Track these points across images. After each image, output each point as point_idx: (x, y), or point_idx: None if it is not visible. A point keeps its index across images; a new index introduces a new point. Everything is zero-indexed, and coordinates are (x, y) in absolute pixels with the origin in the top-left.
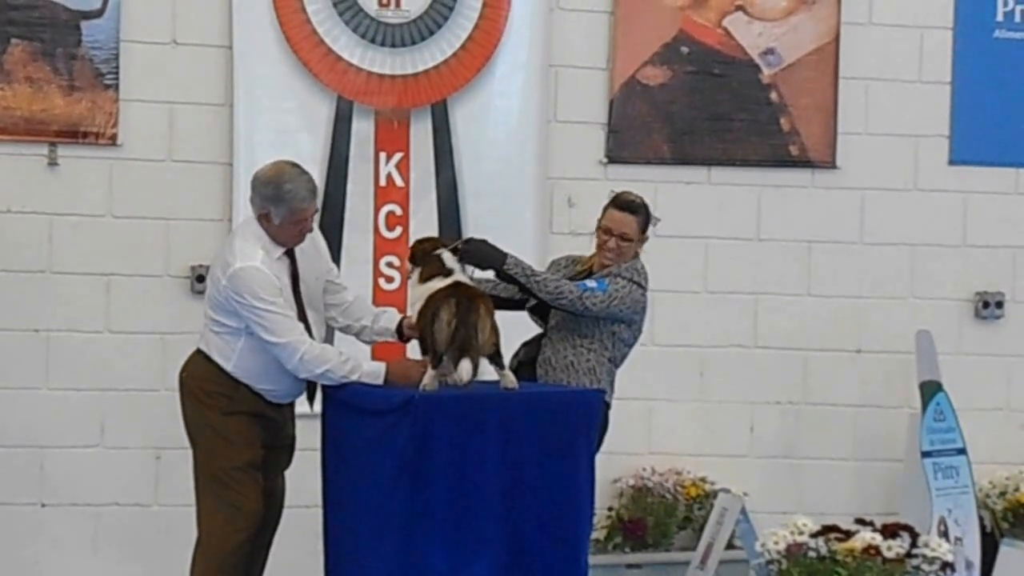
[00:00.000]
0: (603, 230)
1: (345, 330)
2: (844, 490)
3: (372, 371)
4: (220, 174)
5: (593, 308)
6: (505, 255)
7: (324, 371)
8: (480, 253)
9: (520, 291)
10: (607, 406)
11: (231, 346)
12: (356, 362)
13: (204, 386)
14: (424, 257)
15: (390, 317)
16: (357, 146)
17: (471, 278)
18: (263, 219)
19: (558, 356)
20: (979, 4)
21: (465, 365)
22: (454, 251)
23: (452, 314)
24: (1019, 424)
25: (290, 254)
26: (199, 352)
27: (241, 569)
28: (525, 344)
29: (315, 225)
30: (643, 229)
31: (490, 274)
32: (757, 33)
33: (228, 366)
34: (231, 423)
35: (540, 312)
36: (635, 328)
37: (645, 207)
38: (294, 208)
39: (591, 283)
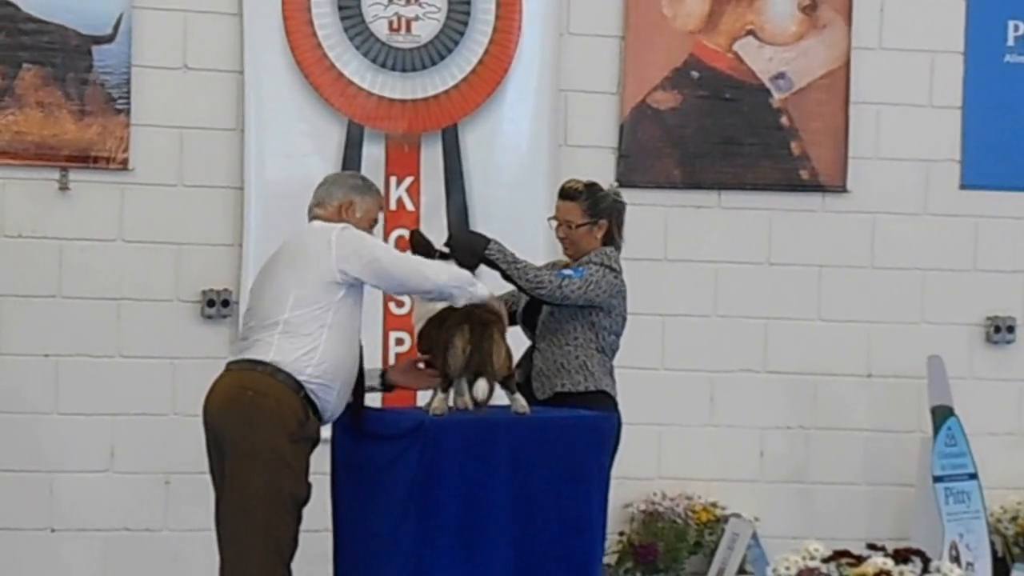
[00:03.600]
0: (555, 220)
1: None
2: (855, 515)
3: (483, 292)
4: (231, 199)
5: (572, 295)
6: (488, 240)
7: (463, 280)
8: (465, 243)
9: (502, 277)
10: (611, 399)
11: (315, 341)
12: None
13: (282, 408)
14: (419, 235)
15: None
16: (368, 171)
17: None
18: (343, 211)
19: (548, 363)
20: (990, 29)
21: (481, 384)
22: (444, 256)
23: (466, 341)
24: None
25: None
26: (262, 365)
27: None
28: (517, 366)
29: None
30: (590, 213)
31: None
32: (767, 58)
33: (311, 364)
34: (298, 451)
35: (530, 323)
36: (615, 315)
37: (589, 192)
38: (377, 203)
39: (568, 271)
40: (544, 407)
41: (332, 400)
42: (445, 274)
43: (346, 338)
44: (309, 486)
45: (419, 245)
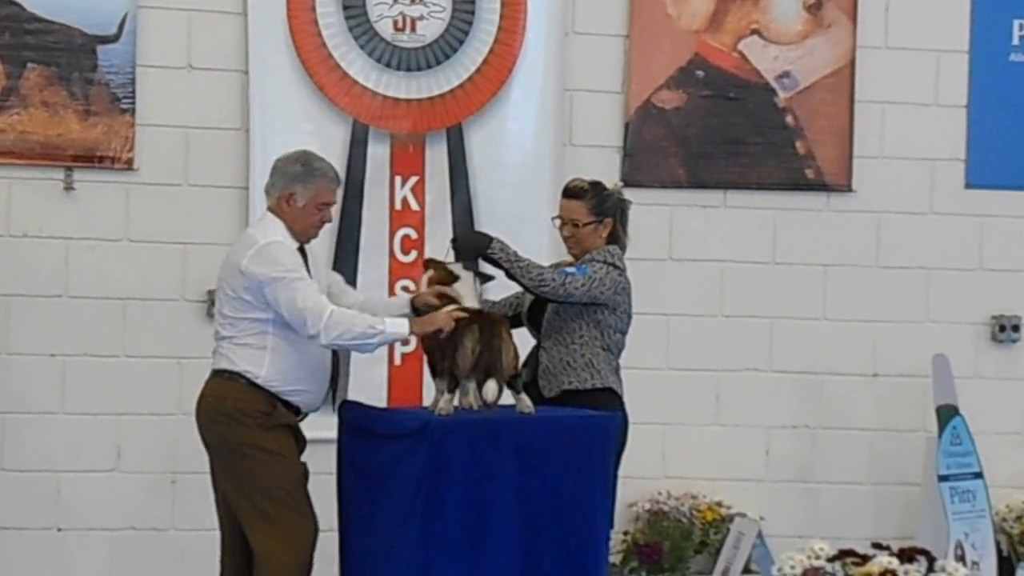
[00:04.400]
0: (559, 219)
1: None
2: (860, 514)
3: (395, 331)
4: (236, 198)
5: (575, 292)
6: (491, 239)
7: (348, 332)
8: (469, 242)
9: (506, 276)
10: (618, 397)
11: (260, 350)
12: (379, 323)
13: (240, 405)
14: (434, 262)
15: (400, 303)
16: (373, 170)
17: (479, 294)
18: (284, 203)
19: (554, 361)
20: (994, 28)
21: (491, 385)
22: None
23: (476, 340)
24: None
25: (302, 252)
26: (222, 373)
27: None
28: (523, 365)
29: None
30: (595, 212)
31: (491, 294)
32: (773, 57)
33: (261, 374)
34: (275, 436)
35: (535, 322)
36: (620, 312)
37: (593, 190)
38: (321, 187)
39: (571, 269)
40: (551, 405)
41: (301, 398)
42: (334, 331)
43: (299, 339)
44: (303, 464)
45: (438, 274)
